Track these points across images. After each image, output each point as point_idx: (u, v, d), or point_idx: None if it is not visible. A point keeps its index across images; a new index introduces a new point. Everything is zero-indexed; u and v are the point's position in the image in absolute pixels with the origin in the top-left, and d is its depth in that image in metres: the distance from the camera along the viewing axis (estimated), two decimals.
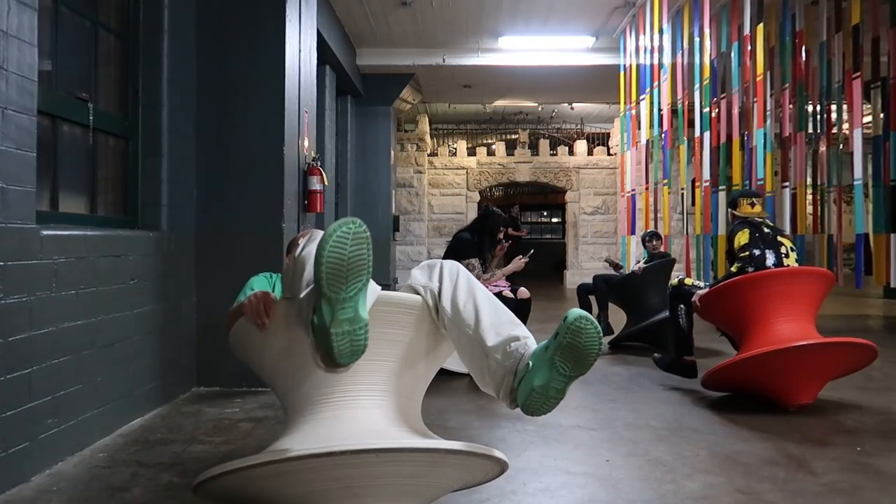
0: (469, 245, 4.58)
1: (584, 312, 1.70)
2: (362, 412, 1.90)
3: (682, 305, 4.11)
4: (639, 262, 5.94)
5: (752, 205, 4.03)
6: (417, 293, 2.04)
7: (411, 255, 12.41)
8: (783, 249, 3.79)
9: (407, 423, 1.95)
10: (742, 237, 3.83)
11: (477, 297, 1.96)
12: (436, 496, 1.94)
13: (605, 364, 4.94)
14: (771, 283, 3.64)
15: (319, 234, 2.01)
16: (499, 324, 1.89)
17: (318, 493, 1.72)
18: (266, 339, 2.02)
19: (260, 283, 2.46)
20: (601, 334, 1.72)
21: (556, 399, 1.74)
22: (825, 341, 3.39)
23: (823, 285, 3.72)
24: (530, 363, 1.76)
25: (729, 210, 4.24)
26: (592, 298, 5.77)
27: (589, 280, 5.96)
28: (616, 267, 6.15)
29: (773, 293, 3.60)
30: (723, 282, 3.79)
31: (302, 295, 1.72)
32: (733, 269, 3.79)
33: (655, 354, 4.09)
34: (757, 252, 3.75)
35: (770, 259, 3.73)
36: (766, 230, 3.89)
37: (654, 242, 6.08)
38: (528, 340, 1.85)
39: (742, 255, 3.77)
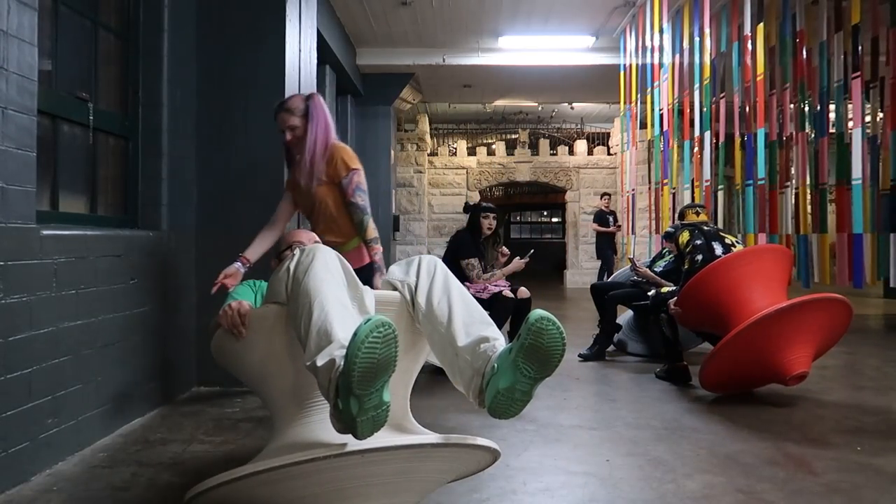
0: (468, 245, 4.59)
1: (546, 313, 1.67)
2: None
3: (662, 314, 4.29)
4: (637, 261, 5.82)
5: (697, 213, 4.41)
6: (395, 289, 2.04)
7: (411, 255, 12.38)
8: (728, 241, 4.08)
9: (391, 421, 1.96)
10: (684, 236, 4.22)
11: (451, 294, 1.96)
12: (429, 490, 1.94)
13: (605, 364, 4.94)
14: (735, 265, 3.75)
15: (318, 248, 1.98)
16: (470, 323, 1.90)
17: (308, 497, 1.72)
18: (246, 347, 2.02)
19: (242, 293, 2.47)
20: (564, 335, 1.69)
21: (521, 402, 1.73)
22: (799, 300, 3.43)
23: (783, 260, 3.85)
24: (496, 365, 1.75)
25: (678, 221, 4.60)
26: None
27: (592, 280, 5.83)
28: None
29: (741, 274, 3.71)
30: (686, 280, 3.95)
31: (332, 371, 1.67)
32: (685, 266, 4.09)
33: (657, 370, 4.28)
34: (699, 242, 4.08)
35: (718, 249, 4.02)
36: (706, 228, 4.21)
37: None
38: (497, 342, 1.84)
39: (687, 249, 4.13)
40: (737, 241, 4.12)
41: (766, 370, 3.54)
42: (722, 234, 4.15)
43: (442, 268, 2.05)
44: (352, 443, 1.66)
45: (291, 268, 1.93)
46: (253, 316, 2.00)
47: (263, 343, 2.00)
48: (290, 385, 1.97)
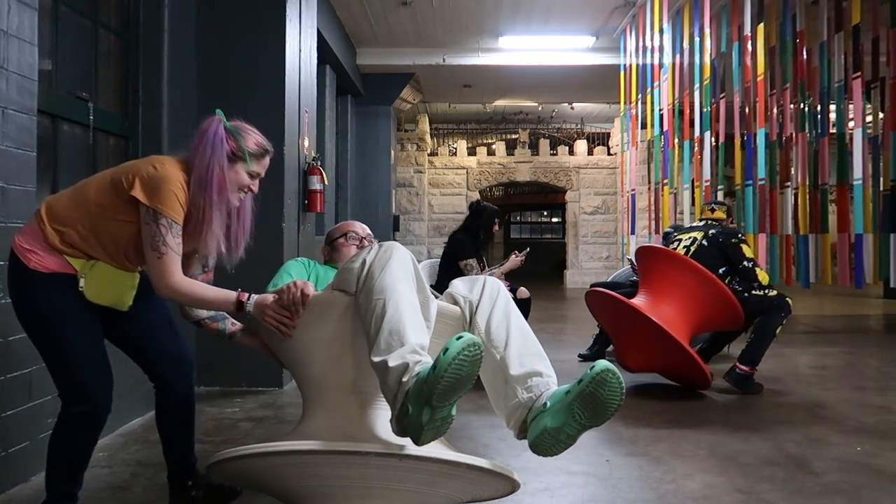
0: (466, 245, 4.57)
1: (612, 366, 1.69)
2: (387, 414, 1.90)
3: None
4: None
5: (712, 210, 4.47)
6: (457, 303, 2.05)
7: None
8: (670, 246, 4.31)
9: None
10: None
11: (511, 322, 1.98)
12: None
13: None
14: (661, 258, 4.11)
15: (396, 246, 1.92)
16: (525, 354, 1.91)
17: (335, 487, 1.73)
18: (298, 326, 1.99)
19: (297, 271, 2.45)
20: (623, 391, 1.71)
21: (565, 444, 1.75)
22: (655, 320, 3.67)
23: (703, 287, 3.88)
24: (548, 403, 1.77)
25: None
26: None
27: (592, 280, 5.83)
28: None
29: (659, 269, 4.06)
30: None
31: (404, 380, 1.66)
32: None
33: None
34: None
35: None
36: (673, 232, 4.53)
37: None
38: (550, 379, 1.87)
39: None
40: (690, 238, 4.24)
41: (617, 338, 4.15)
42: (680, 235, 4.32)
43: (505, 294, 2.07)
44: (393, 446, 1.68)
45: (368, 260, 1.90)
46: (315, 299, 1.96)
47: (316, 326, 1.98)
48: (332, 373, 1.95)
